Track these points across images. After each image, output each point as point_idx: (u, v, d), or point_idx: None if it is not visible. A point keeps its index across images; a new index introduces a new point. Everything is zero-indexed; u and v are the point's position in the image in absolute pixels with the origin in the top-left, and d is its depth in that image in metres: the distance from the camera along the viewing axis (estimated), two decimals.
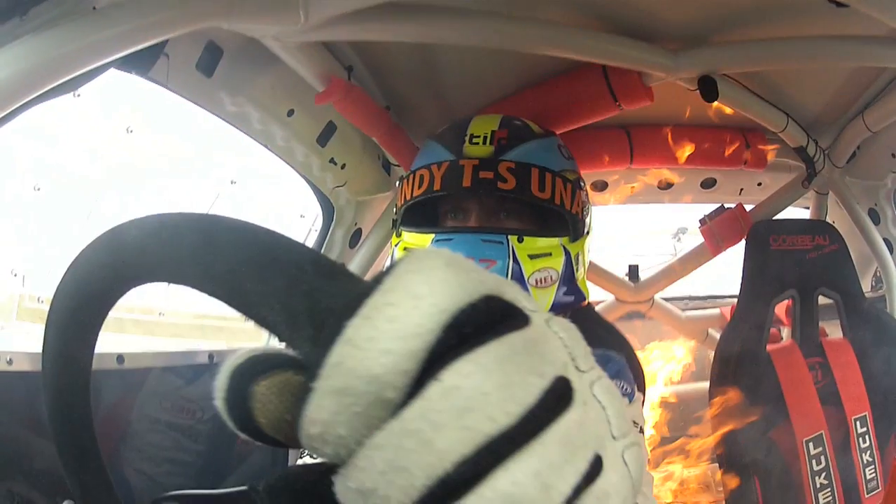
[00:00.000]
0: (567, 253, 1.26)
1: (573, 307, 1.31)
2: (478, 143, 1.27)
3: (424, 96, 1.84)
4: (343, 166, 1.85)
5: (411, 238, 1.27)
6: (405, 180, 1.32)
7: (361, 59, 1.66)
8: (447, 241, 1.21)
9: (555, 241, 1.24)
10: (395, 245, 1.33)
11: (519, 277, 1.19)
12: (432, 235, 1.23)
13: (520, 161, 1.24)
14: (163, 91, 1.38)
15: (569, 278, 1.27)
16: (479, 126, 1.31)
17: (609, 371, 1.24)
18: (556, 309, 1.24)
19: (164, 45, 1.23)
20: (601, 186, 2.40)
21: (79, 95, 1.14)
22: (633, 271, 2.57)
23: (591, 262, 2.37)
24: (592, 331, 1.71)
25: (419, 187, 1.27)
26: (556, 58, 1.62)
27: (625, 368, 1.28)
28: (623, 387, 1.24)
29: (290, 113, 1.65)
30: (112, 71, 1.11)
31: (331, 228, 2.00)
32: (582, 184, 1.32)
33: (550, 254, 1.23)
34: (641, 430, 1.23)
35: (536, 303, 0.35)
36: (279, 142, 1.69)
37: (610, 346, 1.33)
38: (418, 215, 1.30)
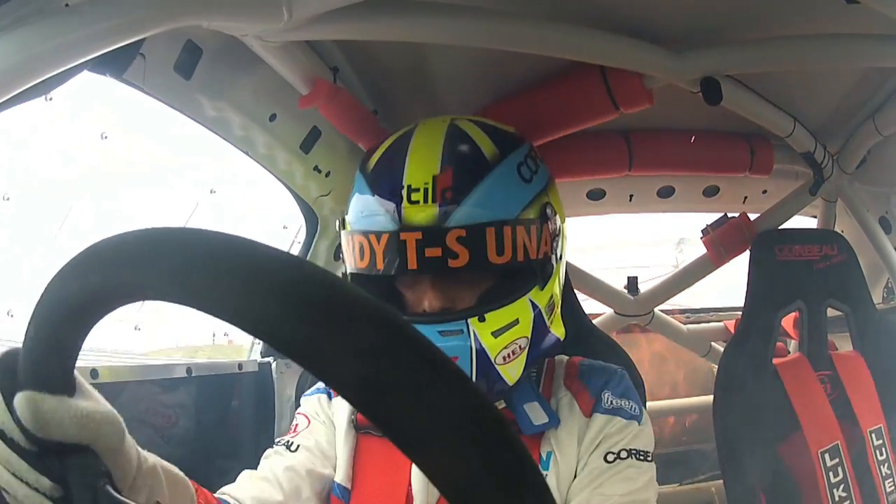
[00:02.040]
0: (536, 307, 1.13)
1: (549, 353, 1.22)
2: (418, 202, 1.08)
3: (414, 99, 1.78)
4: (328, 174, 1.78)
5: None
6: (346, 236, 1.15)
7: (348, 59, 1.59)
8: None
9: (521, 302, 1.11)
10: None
11: (486, 361, 1.07)
12: None
13: (471, 224, 1.06)
14: (139, 94, 1.31)
15: (541, 333, 1.15)
16: (417, 172, 1.10)
17: (615, 391, 1.18)
18: (529, 365, 1.15)
19: (140, 44, 1.17)
20: (598, 195, 2.34)
21: (51, 99, 1.09)
22: (632, 283, 2.49)
23: (588, 274, 2.34)
24: (590, 345, 1.66)
25: (361, 260, 1.11)
26: (553, 58, 1.56)
27: (631, 388, 1.22)
28: (632, 407, 1.18)
29: (273, 118, 1.58)
30: (85, 73, 1.05)
31: (314, 240, 1.92)
32: (549, 211, 1.15)
33: (517, 321, 1.10)
34: (652, 458, 1.16)
35: None
36: (261, 149, 1.62)
37: (608, 361, 1.28)
38: (371, 290, 1.12)
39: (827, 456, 1.93)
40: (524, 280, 1.13)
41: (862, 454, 1.97)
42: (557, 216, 1.17)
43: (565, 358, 1.27)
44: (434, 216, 1.07)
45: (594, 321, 2.27)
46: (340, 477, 1.17)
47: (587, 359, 1.27)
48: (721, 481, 2.08)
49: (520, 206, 1.11)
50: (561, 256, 1.19)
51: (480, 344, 1.07)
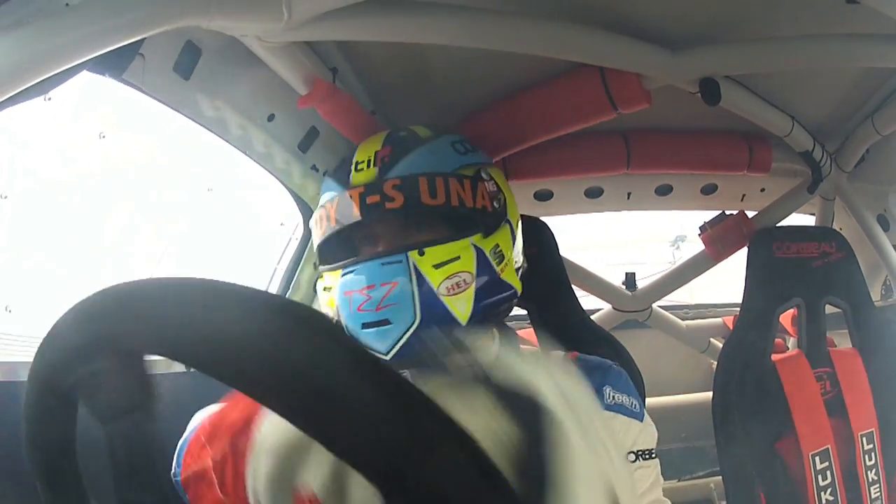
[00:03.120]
0: (479, 250, 1.19)
1: (505, 303, 1.25)
2: (363, 169, 1.23)
3: (412, 100, 1.77)
4: (325, 174, 1.77)
5: (328, 276, 1.24)
6: (312, 222, 1.30)
7: (347, 60, 1.59)
8: (351, 272, 1.17)
9: (462, 242, 1.18)
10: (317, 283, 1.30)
11: (429, 291, 1.13)
12: (340, 271, 1.20)
13: (405, 174, 1.18)
14: (137, 94, 1.30)
15: (488, 275, 1.20)
16: (362, 151, 1.26)
17: (616, 386, 1.19)
18: (483, 310, 1.18)
19: (139, 45, 1.16)
20: (596, 193, 2.33)
21: (50, 98, 1.08)
22: (630, 279, 2.49)
23: (585, 271, 2.35)
24: (588, 341, 1.66)
25: (320, 229, 1.25)
26: (551, 59, 1.55)
27: (630, 384, 1.23)
28: (633, 404, 1.20)
29: (271, 117, 1.57)
30: (84, 73, 1.04)
31: (312, 238, 1.90)
32: (485, 175, 1.24)
33: (458, 257, 1.17)
34: (655, 454, 1.17)
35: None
36: (258, 148, 1.61)
37: (607, 356, 1.29)
38: (335, 253, 1.27)
39: (817, 459, 1.93)
40: (464, 226, 1.20)
41: (851, 457, 1.97)
42: (497, 184, 1.25)
43: (562, 353, 1.29)
44: (374, 175, 1.21)
45: (592, 317, 2.27)
46: None
47: (583, 354, 1.28)
48: (720, 478, 2.09)
49: (453, 166, 1.22)
50: (509, 220, 1.26)
51: (420, 273, 1.13)
